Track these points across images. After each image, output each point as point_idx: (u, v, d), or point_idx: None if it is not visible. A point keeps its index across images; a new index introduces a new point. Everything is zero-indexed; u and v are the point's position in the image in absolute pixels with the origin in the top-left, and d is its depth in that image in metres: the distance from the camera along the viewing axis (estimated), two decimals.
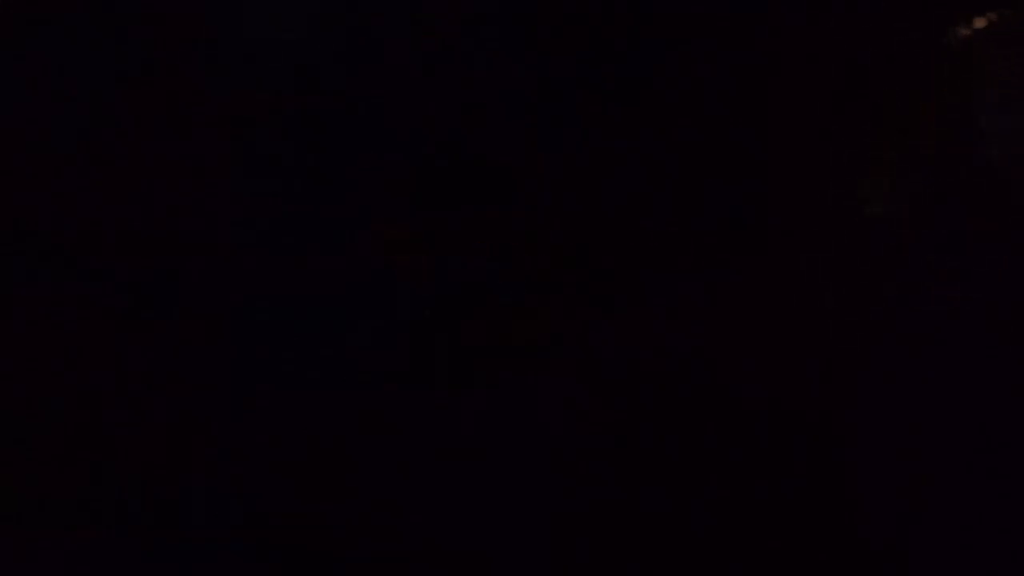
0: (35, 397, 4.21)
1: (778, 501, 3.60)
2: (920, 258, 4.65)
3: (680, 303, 4.87)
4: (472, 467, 4.21)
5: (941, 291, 4.71)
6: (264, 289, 8.38)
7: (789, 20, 5.60)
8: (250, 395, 4.90)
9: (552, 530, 3.35)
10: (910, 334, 4.12)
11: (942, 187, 4.87)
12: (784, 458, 3.81)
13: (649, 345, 4.12)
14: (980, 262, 4.40)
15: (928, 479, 4.11)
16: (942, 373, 4.06)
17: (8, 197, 8.38)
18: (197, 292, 7.67)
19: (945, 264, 4.71)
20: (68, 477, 3.41)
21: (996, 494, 4.15)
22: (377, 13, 7.65)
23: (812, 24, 5.50)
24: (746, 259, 5.12)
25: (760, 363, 3.99)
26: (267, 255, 8.61)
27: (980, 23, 5.42)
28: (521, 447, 4.25)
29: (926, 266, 4.71)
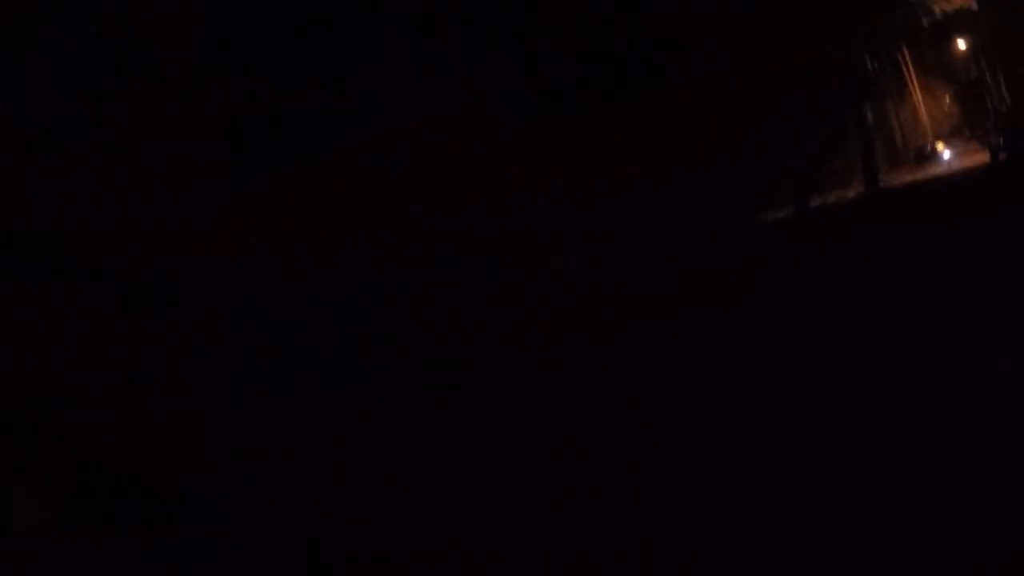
0: (34, 395, 4.21)
1: None
2: None
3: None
4: (470, 462, 4.23)
5: None
6: (262, 287, 8.32)
7: None
8: (247, 395, 4.88)
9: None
10: None
11: None
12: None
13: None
14: None
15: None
16: None
17: (7, 197, 8.27)
18: (197, 290, 7.61)
19: None
20: (67, 475, 3.40)
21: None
22: (375, 12, 7.55)
23: None
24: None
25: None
26: (265, 253, 8.46)
27: None
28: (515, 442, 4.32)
29: None
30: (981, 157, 36.49)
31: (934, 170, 37.57)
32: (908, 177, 38.57)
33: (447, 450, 4.57)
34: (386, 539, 3.32)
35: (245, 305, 8.24)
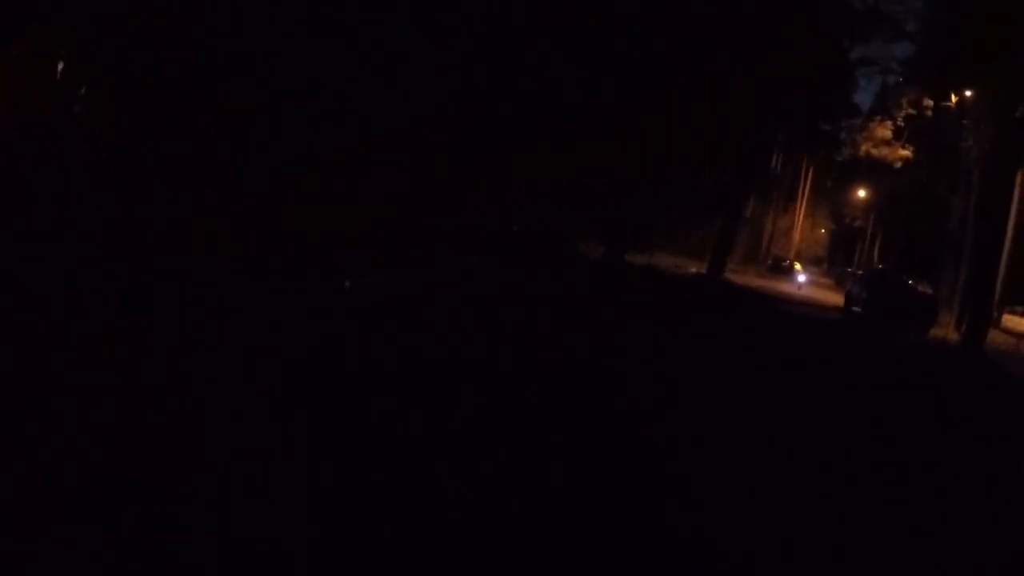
0: (34, 395, 4.22)
1: None
2: None
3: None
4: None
5: None
6: (262, 286, 8.25)
7: None
8: (249, 395, 4.88)
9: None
10: None
11: None
12: None
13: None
14: None
15: None
16: None
17: (8, 198, 8.21)
18: (197, 290, 7.56)
19: None
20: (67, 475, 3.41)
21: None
22: (375, 13, 7.54)
23: None
24: None
25: None
26: (265, 253, 8.41)
27: None
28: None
29: None
30: (828, 294, 36.24)
31: (781, 284, 36.58)
32: (754, 277, 37.45)
33: (447, 449, 4.59)
34: (386, 539, 3.33)
35: (246, 304, 8.25)
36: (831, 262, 60.23)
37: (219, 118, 13.46)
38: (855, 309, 24.96)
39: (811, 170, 51.12)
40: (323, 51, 13.03)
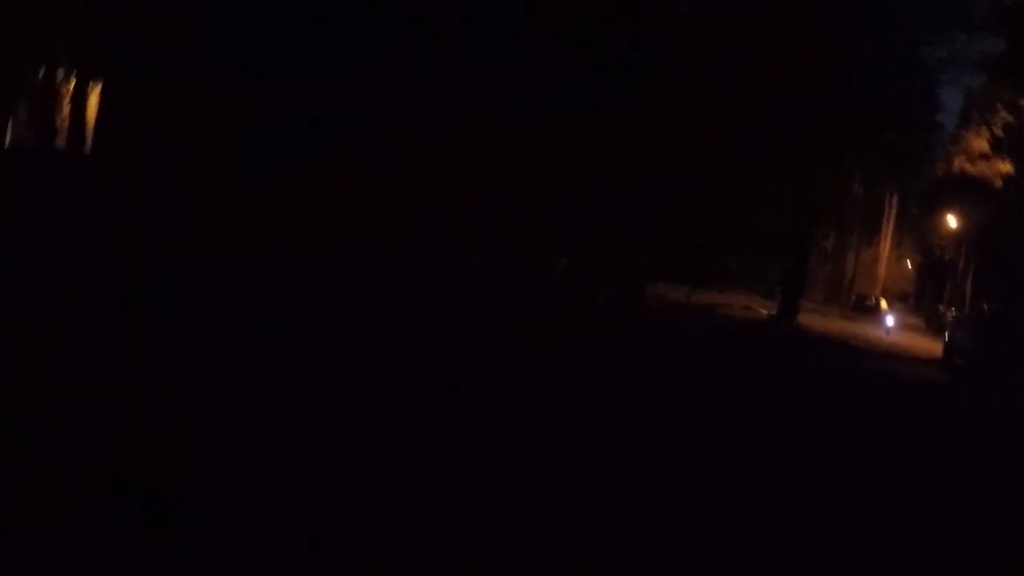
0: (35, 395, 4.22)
1: None
2: None
3: None
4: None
5: None
6: (262, 286, 8.24)
7: None
8: (249, 394, 4.87)
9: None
10: None
11: None
12: None
13: None
14: None
15: None
16: None
17: (9, 198, 8.21)
18: (199, 291, 7.54)
19: None
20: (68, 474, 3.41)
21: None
22: (375, 13, 7.54)
23: None
24: None
25: None
26: (266, 253, 8.40)
27: None
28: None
29: None
30: (920, 340, 31.43)
31: (866, 327, 31.88)
32: (837, 319, 33.33)
33: (447, 448, 4.59)
34: (386, 539, 3.34)
35: (246, 304, 8.26)
36: (918, 298, 53.45)
37: (219, 118, 13.46)
38: (958, 361, 19.15)
39: (895, 196, 45.57)
40: (323, 51, 13.04)
